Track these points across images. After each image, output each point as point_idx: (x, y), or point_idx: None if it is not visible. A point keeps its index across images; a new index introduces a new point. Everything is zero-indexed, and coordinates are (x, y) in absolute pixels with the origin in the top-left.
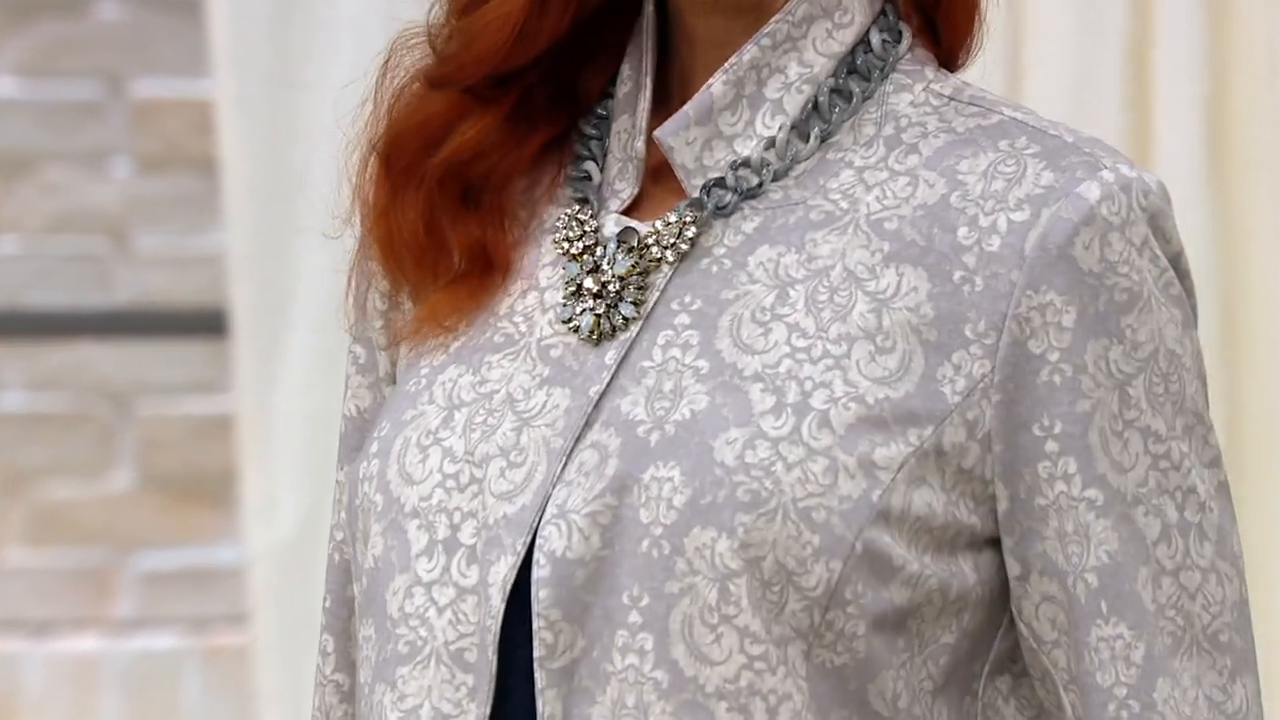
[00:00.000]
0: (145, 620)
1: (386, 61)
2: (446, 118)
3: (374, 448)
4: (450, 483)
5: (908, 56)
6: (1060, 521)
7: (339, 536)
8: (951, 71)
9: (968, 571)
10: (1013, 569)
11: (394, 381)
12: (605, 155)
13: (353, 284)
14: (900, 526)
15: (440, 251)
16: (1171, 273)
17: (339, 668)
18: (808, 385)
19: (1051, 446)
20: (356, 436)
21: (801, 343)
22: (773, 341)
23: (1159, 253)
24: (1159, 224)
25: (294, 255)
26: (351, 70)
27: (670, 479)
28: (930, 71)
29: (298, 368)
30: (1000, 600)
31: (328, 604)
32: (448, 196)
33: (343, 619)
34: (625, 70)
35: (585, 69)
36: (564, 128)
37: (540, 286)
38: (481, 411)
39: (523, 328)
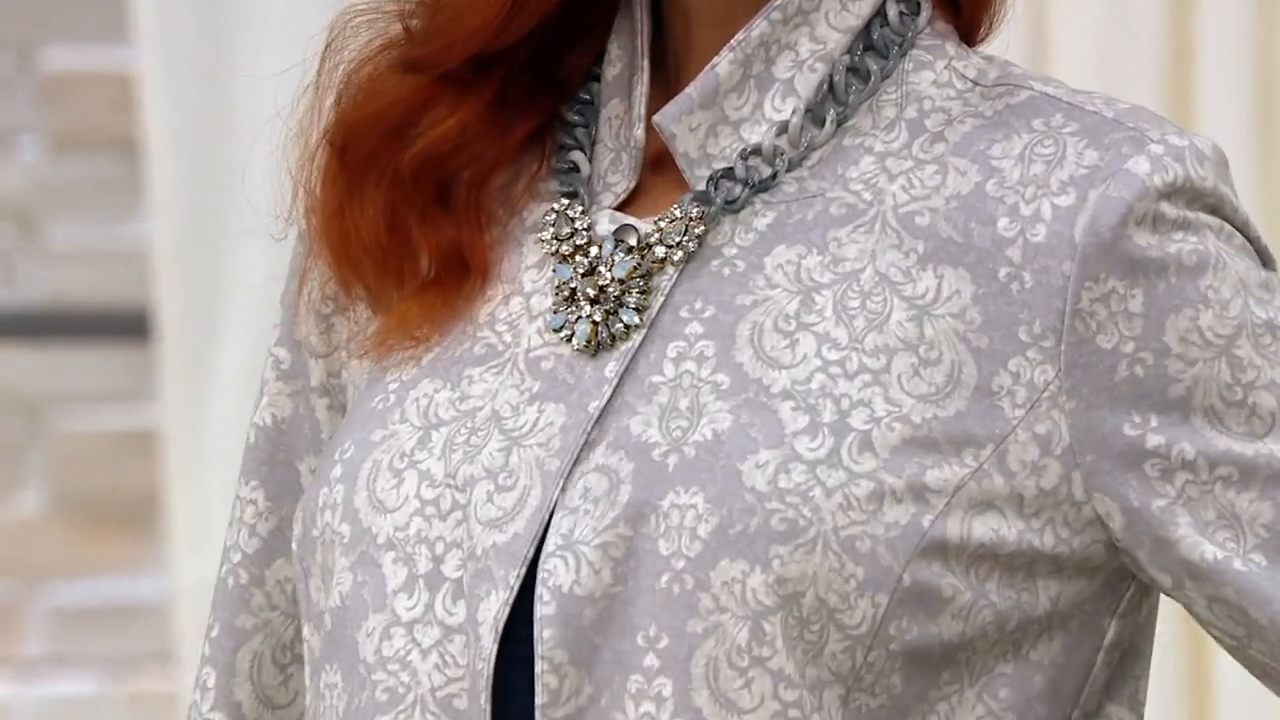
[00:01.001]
0: (58, 661)
1: (329, 45)
2: (413, 104)
3: (336, 472)
4: (430, 510)
5: (927, 30)
6: (1195, 514)
7: (236, 559)
8: (972, 45)
9: (1041, 600)
10: (1163, 582)
11: (326, 394)
12: (594, 144)
13: (288, 283)
14: (957, 556)
15: (405, 254)
16: (1231, 228)
17: (218, 705)
18: (844, 404)
19: (1155, 441)
20: (267, 449)
21: (834, 355)
22: (801, 354)
23: (1221, 214)
24: (1218, 189)
25: (227, 251)
26: (288, 49)
27: (693, 506)
28: (951, 47)
29: (231, 376)
30: (1088, 632)
31: (214, 633)
32: (421, 193)
33: (229, 651)
34: (613, 50)
35: (571, 49)
36: (548, 115)
37: (525, 292)
38: (463, 430)
39: (507, 338)
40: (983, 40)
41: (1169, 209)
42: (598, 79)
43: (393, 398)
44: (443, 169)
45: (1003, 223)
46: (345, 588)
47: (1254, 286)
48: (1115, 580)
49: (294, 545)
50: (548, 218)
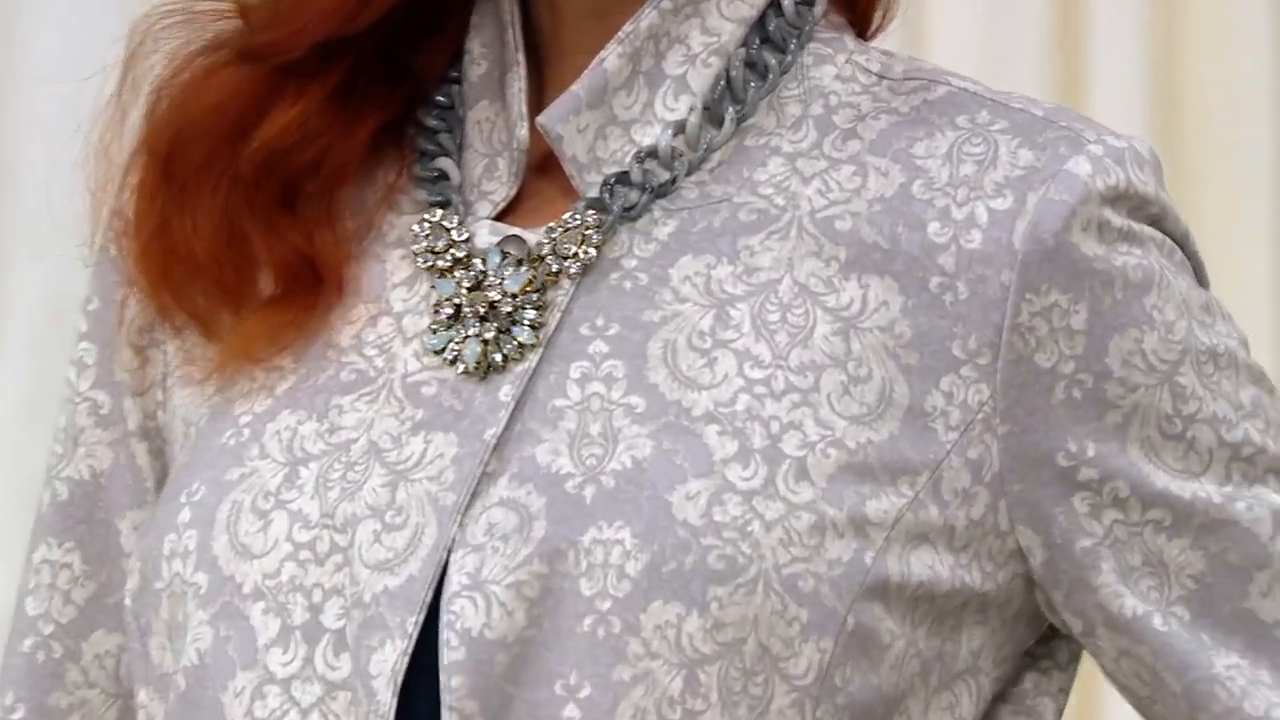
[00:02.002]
0: None
1: (132, 51)
2: (251, 99)
3: (184, 516)
4: (305, 554)
5: (823, 23)
6: (1120, 558)
7: (47, 630)
8: (864, 39)
9: (963, 653)
10: (1074, 626)
11: (145, 437)
12: (462, 150)
13: (93, 313)
14: (897, 597)
15: (245, 269)
16: (1172, 243)
17: None
18: (774, 427)
19: (1088, 474)
20: (85, 506)
21: (758, 374)
22: (721, 373)
23: (1163, 226)
24: (1160, 197)
25: (2, 267)
26: (71, 51)
27: (619, 542)
28: (849, 40)
29: (7, 407)
30: (995, 684)
31: (17, 715)
32: (264, 197)
33: None
34: (475, 47)
35: (421, 43)
36: (396, 112)
37: (395, 312)
38: (338, 465)
39: (379, 362)
40: (875, 34)
41: (1114, 216)
42: (455, 81)
43: (247, 432)
44: (286, 167)
45: (933, 227)
46: (204, 644)
47: (1196, 308)
48: (1028, 633)
49: (128, 601)
50: (418, 229)
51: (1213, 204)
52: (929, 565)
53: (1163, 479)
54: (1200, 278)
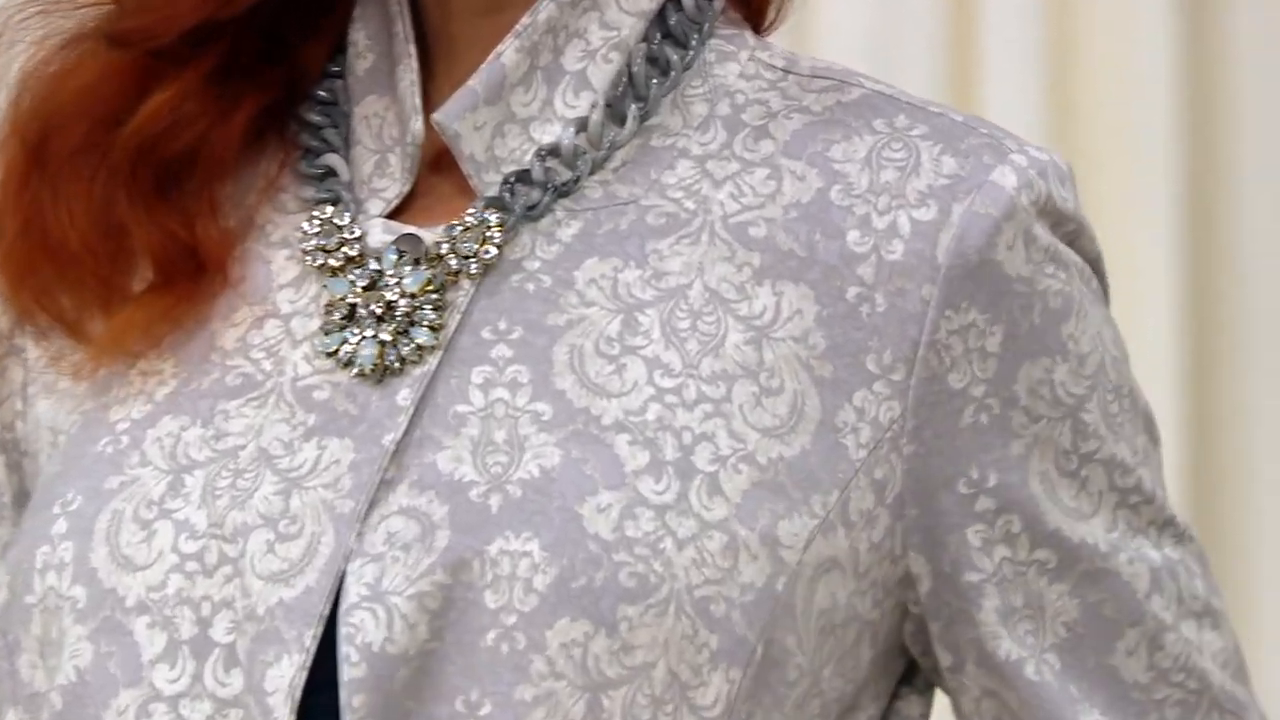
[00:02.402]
0: None
1: None
2: (125, 83)
3: (59, 527)
4: (192, 565)
5: (722, 19)
6: (1004, 597)
7: None
8: (757, 34)
9: (851, 690)
10: (943, 660)
11: (4, 449)
12: (350, 146)
13: None
14: (804, 627)
15: (119, 263)
16: (1089, 269)
17: None
18: (686, 438)
19: (985, 504)
20: None
21: (668, 383)
22: (631, 381)
23: (1079, 246)
24: (1078, 215)
25: None
26: None
27: (527, 554)
28: (750, 37)
29: None
30: None
31: None
32: (140, 185)
33: None
34: (359, 39)
35: (301, 28)
36: (275, 97)
37: (282, 314)
38: (225, 473)
39: (266, 365)
40: (768, 30)
41: (1040, 233)
42: (338, 75)
43: (125, 439)
44: (161, 153)
45: (852, 236)
46: (83, 660)
47: (1109, 343)
48: (900, 666)
49: None
50: (308, 227)
51: (1108, 187)
52: (832, 593)
53: (1056, 518)
54: (1106, 300)
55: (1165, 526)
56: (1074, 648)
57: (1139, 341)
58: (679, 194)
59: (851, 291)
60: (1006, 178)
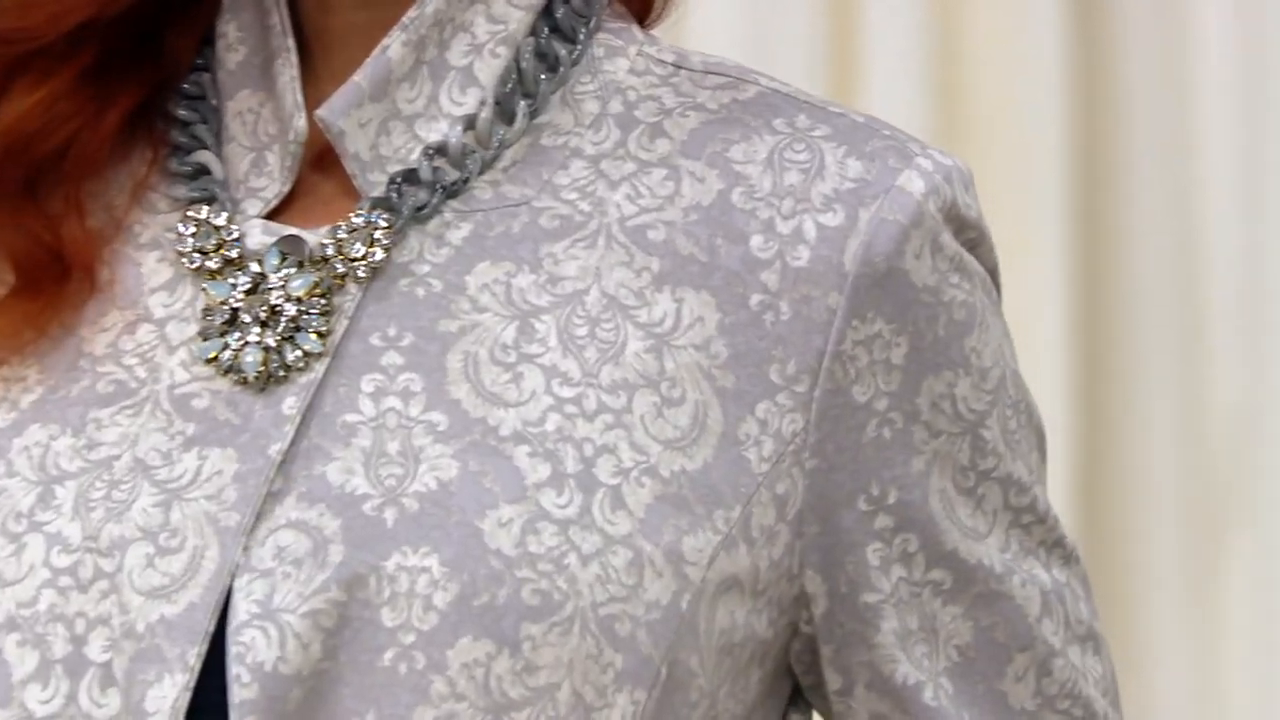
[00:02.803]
0: None
1: None
2: None
3: None
4: (65, 580)
5: (608, 12)
6: (901, 619)
7: None
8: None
9: (742, 711)
10: (832, 683)
11: None
12: (223, 143)
13: None
14: (707, 647)
15: None
16: (990, 280)
17: None
18: (588, 450)
19: (884, 522)
20: None
21: (568, 392)
22: (529, 390)
23: (980, 254)
24: (981, 224)
25: None
26: None
27: (426, 570)
28: (637, 31)
29: None
30: None
31: None
32: (5, 185)
33: None
34: (230, 31)
35: (172, 23)
36: (145, 97)
37: (156, 318)
38: (100, 484)
39: (140, 372)
40: (654, 23)
41: (947, 241)
42: (206, 69)
43: None
44: (30, 154)
45: (756, 241)
46: None
47: (1009, 356)
48: (786, 688)
49: None
50: (183, 228)
51: (994, 171)
52: (731, 611)
53: (954, 538)
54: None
55: (1054, 547)
56: (965, 672)
57: (1028, 349)
58: (573, 195)
59: (755, 299)
60: (914, 183)
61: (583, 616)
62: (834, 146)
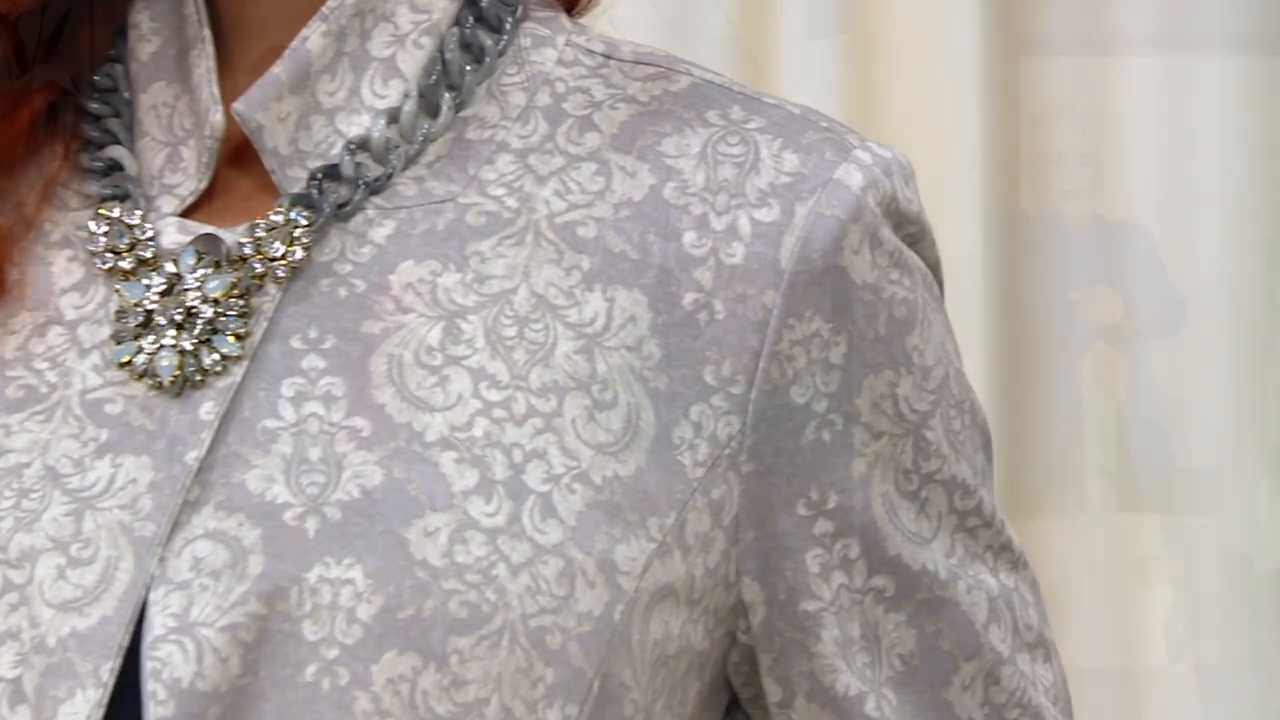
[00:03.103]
0: None
1: None
2: None
3: None
4: None
5: (535, 1)
6: (843, 627)
7: None
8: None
9: None
10: (772, 694)
11: None
12: (136, 138)
13: None
14: (640, 659)
15: None
16: (931, 276)
17: None
18: (517, 456)
19: (824, 527)
20: None
21: (496, 396)
22: (455, 394)
23: (921, 249)
24: (921, 218)
25: None
26: None
27: (350, 582)
28: (565, 20)
29: None
30: None
31: None
32: None
33: None
34: (143, 21)
35: (85, 15)
36: (59, 92)
37: (66, 320)
38: (9, 493)
39: (51, 377)
40: (583, 11)
41: (887, 236)
42: (118, 60)
43: None
44: None
45: (689, 237)
46: None
47: (952, 354)
48: (725, 698)
49: None
50: (95, 226)
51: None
52: (665, 622)
53: (896, 543)
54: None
55: (1002, 551)
56: (910, 682)
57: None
58: (500, 191)
59: (688, 298)
60: (852, 176)
61: (512, 629)
62: (769, 139)
